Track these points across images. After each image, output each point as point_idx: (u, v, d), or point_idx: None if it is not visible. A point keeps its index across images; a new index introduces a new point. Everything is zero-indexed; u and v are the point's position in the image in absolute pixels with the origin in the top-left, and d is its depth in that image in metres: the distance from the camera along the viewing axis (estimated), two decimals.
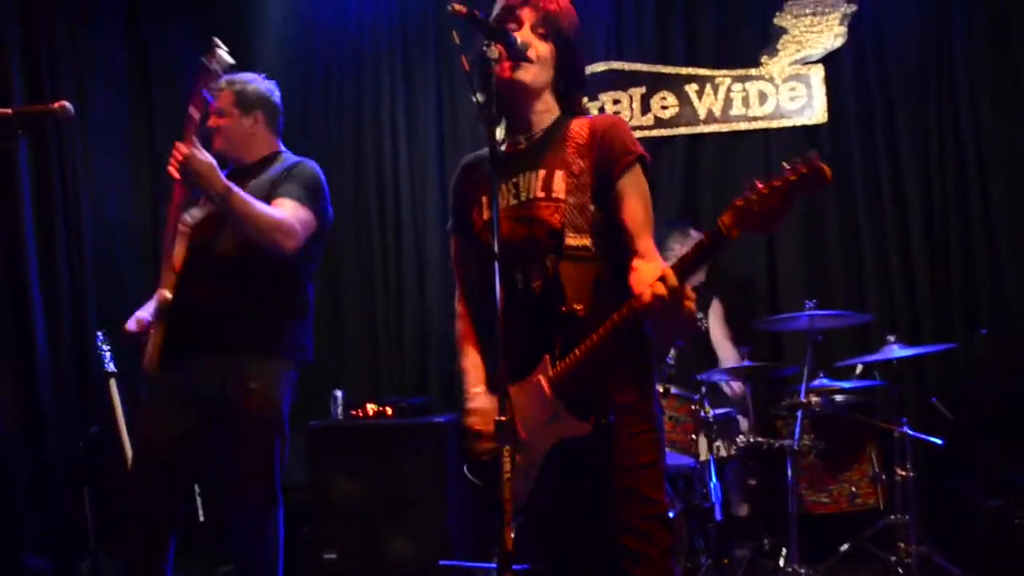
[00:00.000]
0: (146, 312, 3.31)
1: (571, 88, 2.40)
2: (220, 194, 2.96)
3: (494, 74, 2.12)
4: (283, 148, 3.47)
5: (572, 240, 2.20)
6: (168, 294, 3.13)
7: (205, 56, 2.95)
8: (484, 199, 2.35)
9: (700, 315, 5.01)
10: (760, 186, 1.77)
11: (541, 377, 2.17)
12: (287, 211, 3.15)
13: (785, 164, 1.77)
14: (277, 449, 3.18)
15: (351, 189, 5.98)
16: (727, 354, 4.87)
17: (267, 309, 3.20)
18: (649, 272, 2.07)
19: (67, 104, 3.04)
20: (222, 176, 2.95)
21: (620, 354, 2.19)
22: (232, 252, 3.09)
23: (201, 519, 4.72)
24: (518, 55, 2.24)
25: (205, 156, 2.91)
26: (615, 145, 2.26)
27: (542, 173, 2.29)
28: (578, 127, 2.32)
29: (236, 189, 2.99)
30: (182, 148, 2.89)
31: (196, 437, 3.18)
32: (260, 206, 3.08)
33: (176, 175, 2.96)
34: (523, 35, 2.29)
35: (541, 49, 2.31)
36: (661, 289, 1.93)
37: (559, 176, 2.26)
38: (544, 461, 2.18)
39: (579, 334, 2.10)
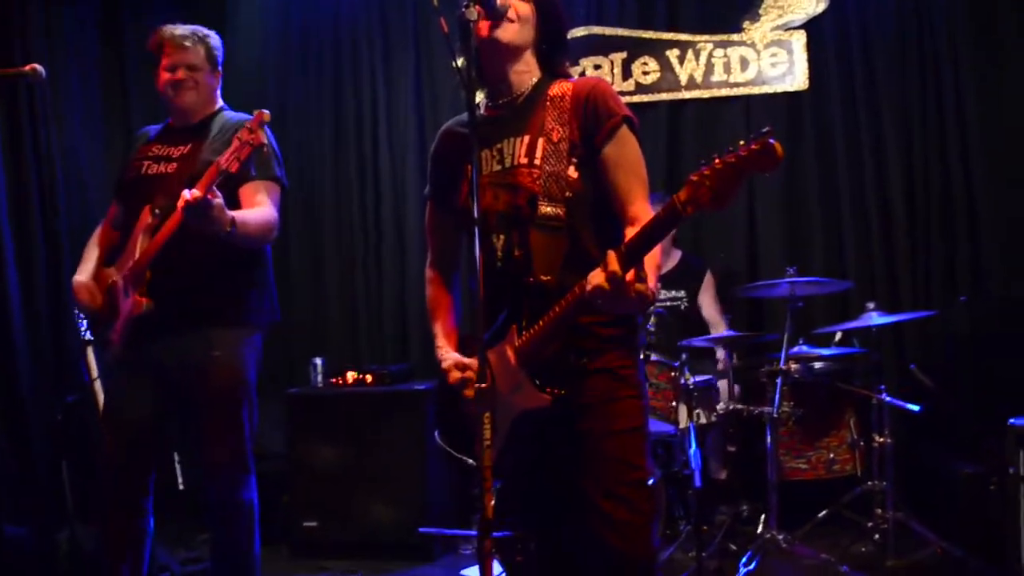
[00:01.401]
0: (84, 275, 3.28)
1: (553, 50, 2.36)
2: (227, 228, 2.88)
3: (474, 36, 2.09)
4: (224, 104, 3.38)
5: (545, 209, 2.18)
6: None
7: (249, 124, 2.79)
8: (469, 167, 2.32)
9: (681, 292, 5.01)
10: (716, 161, 1.75)
11: (508, 347, 2.17)
12: (266, 204, 3.13)
13: (740, 141, 1.74)
14: (246, 416, 3.16)
15: (331, 158, 5.94)
16: (719, 331, 4.86)
17: (227, 283, 3.17)
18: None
19: (38, 66, 3.00)
20: (227, 211, 2.87)
21: (602, 322, 2.18)
22: (196, 237, 2.97)
23: (180, 487, 4.70)
24: (497, 15, 2.21)
25: (219, 200, 2.82)
26: (599, 108, 2.23)
27: (526, 139, 2.27)
28: (560, 90, 2.28)
29: (237, 217, 2.93)
30: (195, 193, 2.75)
31: (160, 411, 3.16)
32: (254, 220, 3.05)
33: (183, 214, 2.82)
34: None
35: (521, 8, 2.27)
36: (600, 279, 1.90)
37: (541, 143, 2.24)
38: (509, 430, 2.17)
39: (547, 305, 2.09)
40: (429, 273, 2.57)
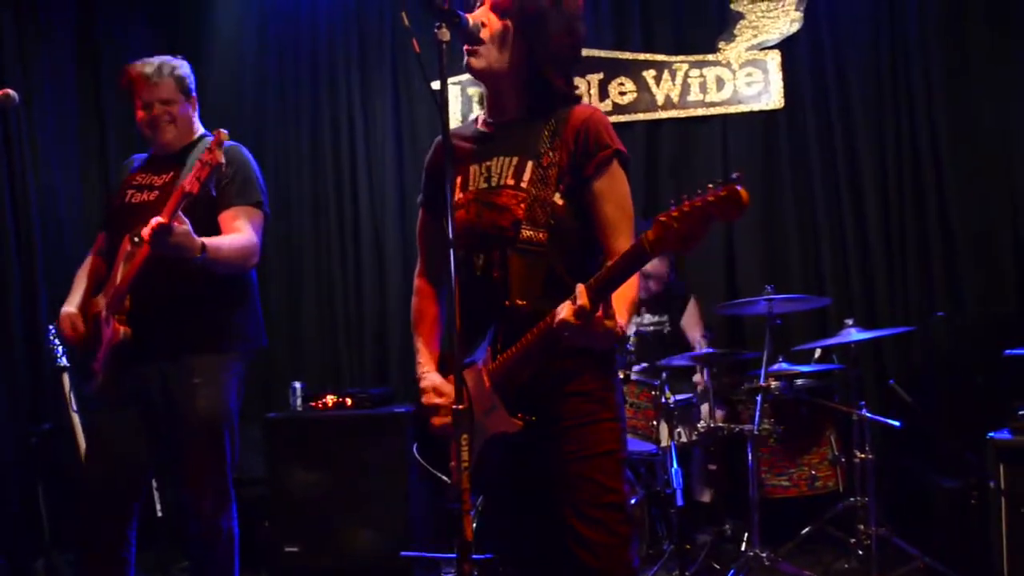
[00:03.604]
0: (72, 305, 3.25)
1: (543, 70, 2.26)
2: (197, 254, 2.88)
3: (443, 56, 2.08)
4: (205, 130, 3.36)
5: (527, 233, 2.17)
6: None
7: (209, 144, 2.80)
8: (458, 180, 2.32)
9: (663, 318, 5.00)
10: (685, 204, 1.75)
11: (483, 369, 2.16)
12: (246, 230, 3.12)
13: (709, 184, 1.74)
14: (227, 444, 3.13)
15: (309, 180, 5.93)
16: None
17: (209, 308, 3.14)
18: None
19: (11, 91, 2.99)
20: (195, 235, 2.86)
21: (577, 352, 2.17)
22: (176, 263, 2.95)
23: (159, 514, 4.65)
24: (469, 38, 2.20)
25: (185, 226, 2.82)
26: (590, 140, 2.20)
27: (515, 160, 2.24)
28: (555, 116, 2.26)
29: (208, 242, 2.92)
30: (159, 220, 2.75)
31: (144, 440, 3.13)
32: (228, 245, 3.04)
33: (148, 242, 2.81)
34: (480, 15, 2.24)
35: (495, 27, 2.24)
36: (567, 313, 1.90)
37: (530, 165, 2.22)
38: (480, 451, 2.16)
39: (522, 329, 2.08)
40: (418, 283, 2.54)
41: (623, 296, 2.00)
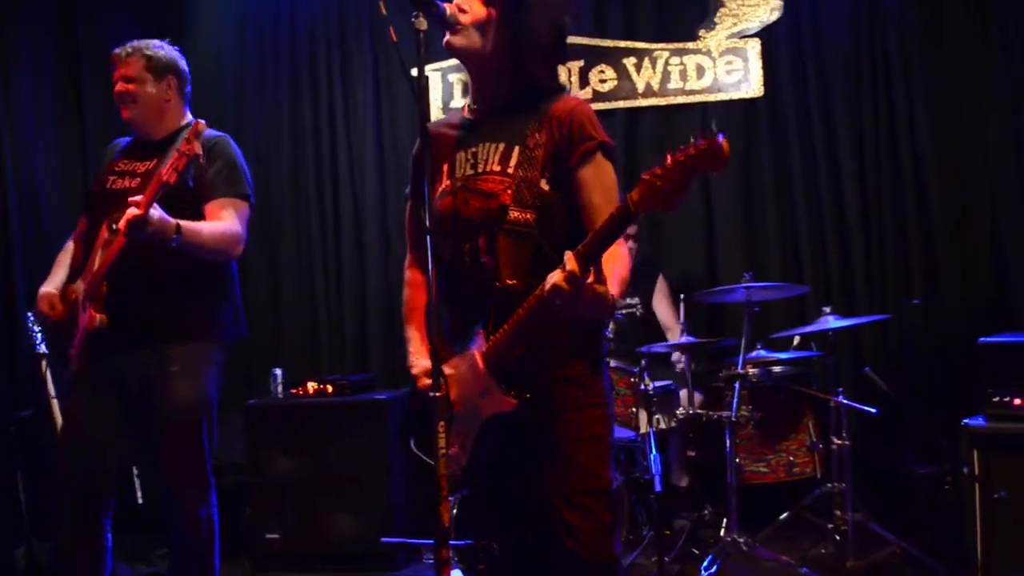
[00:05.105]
0: (51, 286, 3.24)
1: (525, 60, 2.28)
2: (172, 236, 2.88)
3: (421, 46, 2.08)
4: (192, 119, 3.33)
5: (515, 214, 2.18)
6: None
7: (186, 135, 2.81)
8: (445, 167, 2.32)
9: (635, 300, 5.02)
10: (668, 160, 1.76)
11: (476, 352, 2.17)
12: (230, 219, 3.12)
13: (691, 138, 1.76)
14: (205, 433, 3.14)
15: (288, 166, 5.91)
16: (674, 335, 4.87)
17: (187, 297, 3.14)
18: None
19: None
20: (168, 218, 2.86)
21: (567, 329, 2.18)
22: (154, 252, 2.96)
23: (140, 501, 4.65)
24: (447, 24, 2.20)
25: (158, 212, 2.82)
26: (575, 131, 2.21)
27: (501, 146, 2.26)
28: (541, 107, 2.26)
29: (184, 224, 2.92)
30: (134, 212, 2.75)
31: (121, 428, 3.13)
32: (209, 231, 3.04)
33: (124, 234, 2.82)
34: (463, 1, 2.24)
35: (477, 12, 2.25)
36: (558, 278, 1.91)
37: (517, 150, 2.23)
38: (478, 435, 2.18)
39: (513, 310, 2.09)
40: (409, 274, 2.55)
41: (615, 272, 2.03)
